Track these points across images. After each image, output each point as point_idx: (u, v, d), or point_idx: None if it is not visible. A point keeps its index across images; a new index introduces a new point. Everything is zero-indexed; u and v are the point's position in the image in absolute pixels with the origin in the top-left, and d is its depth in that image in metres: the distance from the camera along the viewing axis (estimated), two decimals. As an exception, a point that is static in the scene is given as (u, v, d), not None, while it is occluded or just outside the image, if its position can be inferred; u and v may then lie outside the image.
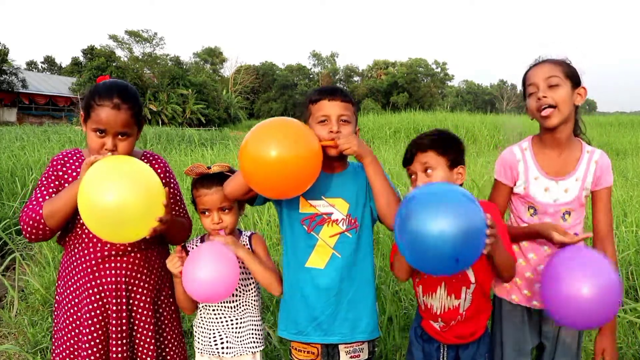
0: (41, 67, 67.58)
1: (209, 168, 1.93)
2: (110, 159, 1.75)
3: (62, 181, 1.88)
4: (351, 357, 1.92)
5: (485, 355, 1.94)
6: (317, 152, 1.71)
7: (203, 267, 1.76)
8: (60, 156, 1.95)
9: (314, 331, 1.89)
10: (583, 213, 1.92)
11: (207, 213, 1.94)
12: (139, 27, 68.36)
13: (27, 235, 1.80)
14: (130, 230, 1.71)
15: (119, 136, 1.81)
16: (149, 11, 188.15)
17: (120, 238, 1.77)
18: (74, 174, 1.89)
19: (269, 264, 1.98)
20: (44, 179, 1.89)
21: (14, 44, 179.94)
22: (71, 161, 1.93)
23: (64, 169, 1.90)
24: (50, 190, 1.86)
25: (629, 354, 2.97)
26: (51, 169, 1.90)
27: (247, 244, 2.01)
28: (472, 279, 1.84)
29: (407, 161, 1.85)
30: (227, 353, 1.99)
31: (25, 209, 1.82)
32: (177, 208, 2.04)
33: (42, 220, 1.76)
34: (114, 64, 37.57)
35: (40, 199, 1.83)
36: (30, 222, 1.77)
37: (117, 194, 1.63)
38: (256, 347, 2.01)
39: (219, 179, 1.92)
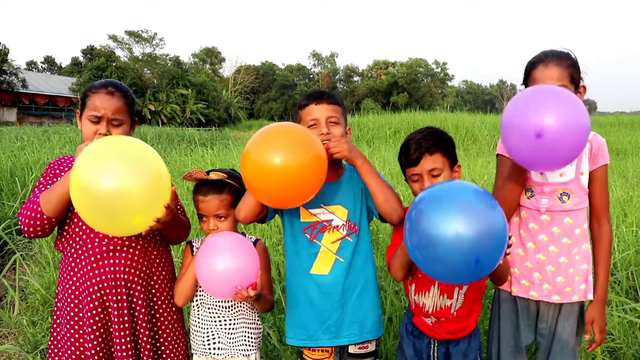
0: (41, 67, 67.66)
1: (207, 174, 1.92)
2: (110, 138, 1.72)
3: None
4: (360, 349, 1.98)
5: (476, 351, 1.95)
6: (324, 157, 1.69)
7: (224, 259, 1.75)
8: (58, 160, 1.99)
9: (324, 334, 1.93)
10: (586, 199, 1.91)
11: (204, 218, 1.96)
12: (138, 27, 68.51)
13: (26, 229, 1.81)
14: (127, 223, 1.63)
15: (112, 123, 1.87)
16: (149, 11, 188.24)
17: (114, 230, 1.73)
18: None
19: (266, 284, 1.99)
20: (41, 179, 1.93)
21: (14, 44, 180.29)
22: (68, 162, 1.96)
23: (61, 167, 1.94)
24: (48, 187, 1.88)
25: (629, 354, 2.97)
26: (49, 170, 1.94)
27: None
28: None
29: (413, 162, 1.82)
30: (218, 354, 1.98)
31: (23, 205, 1.85)
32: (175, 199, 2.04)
33: (39, 209, 1.78)
34: (113, 64, 37.55)
35: (38, 194, 1.85)
36: (28, 213, 1.79)
37: (117, 178, 1.51)
38: (249, 350, 2.00)
39: (217, 185, 1.93)
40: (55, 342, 1.95)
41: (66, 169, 1.93)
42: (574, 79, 1.83)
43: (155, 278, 1.98)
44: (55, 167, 1.95)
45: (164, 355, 2.01)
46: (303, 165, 1.59)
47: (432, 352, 1.93)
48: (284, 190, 1.62)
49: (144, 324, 1.92)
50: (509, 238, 1.46)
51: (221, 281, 1.76)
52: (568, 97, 1.54)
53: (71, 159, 1.98)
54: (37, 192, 1.88)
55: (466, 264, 1.36)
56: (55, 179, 1.90)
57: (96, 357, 1.83)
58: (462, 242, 1.34)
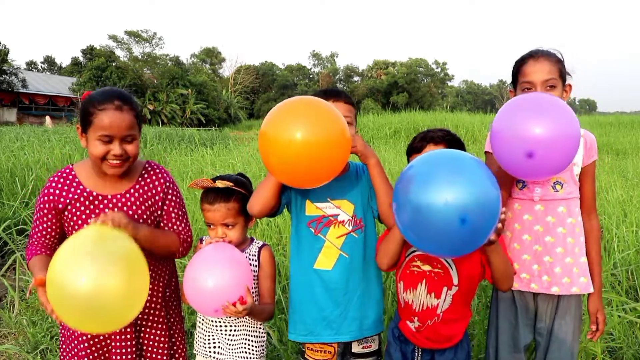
0: (41, 67, 67.63)
1: (214, 181, 1.91)
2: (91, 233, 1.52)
3: (59, 214, 1.81)
4: (363, 348, 1.97)
5: None
6: (349, 137, 1.64)
7: (210, 276, 1.72)
8: (52, 182, 1.81)
9: (324, 330, 1.91)
10: (576, 190, 1.95)
11: (212, 226, 1.94)
12: (138, 27, 68.56)
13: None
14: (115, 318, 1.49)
15: (126, 140, 1.73)
16: (149, 11, 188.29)
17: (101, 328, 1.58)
18: (68, 201, 1.79)
19: (268, 288, 1.98)
20: (39, 208, 1.82)
21: (14, 44, 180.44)
22: (64, 186, 1.81)
23: (58, 193, 1.80)
24: (46, 222, 1.81)
25: (629, 354, 2.97)
26: (46, 194, 1.80)
27: (255, 254, 1.99)
28: (455, 281, 1.83)
29: (417, 150, 1.87)
30: (217, 359, 1.98)
31: (27, 246, 1.83)
32: (177, 221, 1.94)
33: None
34: (113, 64, 37.54)
35: (38, 235, 1.81)
36: (26, 261, 1.81)
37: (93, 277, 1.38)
38: (249, 359, 1.96)
39: (224, 194, 1.90)
40: (64, 339, 1.93)
41: (61, 198, 1.78)
42: (562, 75, 1.89)
43: (166, 280, 1.98)
44: (51, 190, 1.79)
45: (171, 351, 2.01)
46: (330, 140, 1.55)
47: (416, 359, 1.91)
48: (307, 165, 1.56)
49: (159, 331, 1.95)
50: (503, 213, 1.43)
51: (202, 302, 1.76)
52: (557, 106, 1.55)
53: (68, 175, 1.82)
54: (36, 229, 1.81)
55: (450, 225, 1.29)
56: (53, 211, 1.79)
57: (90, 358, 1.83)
58: (445, 202, 1.27)
